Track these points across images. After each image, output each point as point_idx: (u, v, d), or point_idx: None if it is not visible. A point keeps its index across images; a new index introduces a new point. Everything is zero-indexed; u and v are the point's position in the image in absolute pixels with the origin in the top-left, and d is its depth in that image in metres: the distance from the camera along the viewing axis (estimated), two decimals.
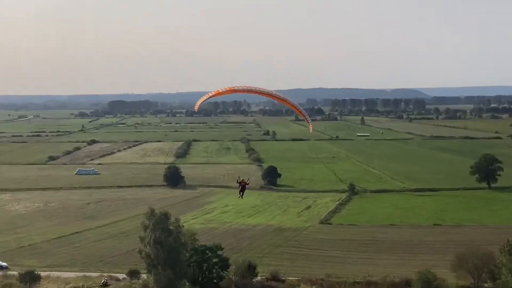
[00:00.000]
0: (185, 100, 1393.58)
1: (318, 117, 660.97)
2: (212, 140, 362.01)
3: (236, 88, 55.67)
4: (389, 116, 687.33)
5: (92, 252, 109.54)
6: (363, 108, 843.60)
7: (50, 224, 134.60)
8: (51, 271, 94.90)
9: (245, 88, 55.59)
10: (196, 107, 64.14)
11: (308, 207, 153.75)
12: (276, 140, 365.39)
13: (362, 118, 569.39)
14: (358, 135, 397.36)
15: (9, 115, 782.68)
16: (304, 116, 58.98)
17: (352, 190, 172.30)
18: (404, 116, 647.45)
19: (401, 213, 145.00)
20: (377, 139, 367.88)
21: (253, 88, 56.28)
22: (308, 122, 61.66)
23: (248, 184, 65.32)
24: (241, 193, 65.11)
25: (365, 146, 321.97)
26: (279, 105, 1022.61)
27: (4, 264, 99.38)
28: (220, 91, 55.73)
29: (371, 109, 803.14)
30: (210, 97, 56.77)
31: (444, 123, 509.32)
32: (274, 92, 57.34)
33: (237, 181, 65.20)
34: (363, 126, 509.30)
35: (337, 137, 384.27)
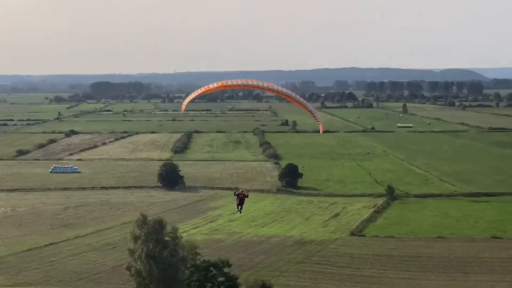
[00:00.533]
0: (185, 82, 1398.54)
1: (349, 104, 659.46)
2: (218, 132, 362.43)
3: (231, 83, 57.36)
4: (437, 102, 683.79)
5: (70, 268, 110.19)
6: (405, 93, 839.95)
7: (18, 234, 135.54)
8: None
9: (242, 83, 56.85)
10: (183, 107, 66.79)
11: (336, 215, 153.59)
12: (297, 132, 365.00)
13: (404, 105, 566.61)
14: (398, 126, 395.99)
15: None
16: (312, 114, 60.27)
17: (391, 194, 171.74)
18: (457, 103, 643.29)
19: (451, 223, 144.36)
20: (422, 131, 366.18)
21: (250, 83, 57.68)
22: (318, 122, 62.56)
23: (247, 196, 67.96)
24: (239, 207, 67.82)
25: (407, 140, 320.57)
26: (301, 89, 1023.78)
27: None
28: (211, 87, 57.29)
29: (415, 94, 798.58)
30: (200, 94, 58.95)
31: (506, 111, 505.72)
32: (276, 87, 58.60)
33: (234, 193, 67.54)
34: (405, 115, 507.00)
35: (372, 128, 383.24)
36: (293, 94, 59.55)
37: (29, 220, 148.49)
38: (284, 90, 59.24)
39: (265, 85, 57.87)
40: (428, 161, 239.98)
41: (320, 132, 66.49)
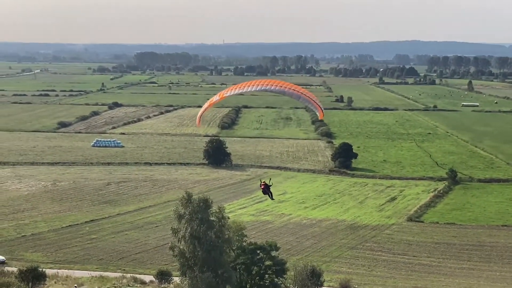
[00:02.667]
0: (234, 53, 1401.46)
1: (410, 80, 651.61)
2: (268, 107, 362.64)
3: (234, 90, 62.64)
4: (506, 80, 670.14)
5: (111, 247, 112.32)
6: (472, 69, 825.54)
7: (59, 209, 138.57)
8: (59, 269, 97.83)
9: (240, 90, 62.02)
10: (198, 123, 74.17)
11: (393, 199, 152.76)
12: (353, 109, 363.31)
13: (470, 82, 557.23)
14: (463, 105, 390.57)
15: (10, 67, 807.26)
16: (314, 101, 62.66)
17: (453, 178, 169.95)
18: None
19: None
20: (489, 111, 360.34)
21: (253, 89, 61.49)
22: (318, 106, 63.46)
23: (271, 185, 75.68)
24: (270, 194, 75.67)
25: (472, 120, 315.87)
26: (357, 63, 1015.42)
27: (1, 257, 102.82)
28: (214, 100, 63.90)
29: (482, 70, 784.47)
30: (206, 108, 66.00)
31: None
32: (287, 89, 61.33)
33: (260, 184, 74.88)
34: (471, 93, 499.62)
35: (435, 106, 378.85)
36: (307, 95, 62.46)
37: (70, 195, 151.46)
38: (295, 93, 61.35)
39: (274, 88, 61.03)
40: (495, 143, 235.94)
41: (320, 117, 65.89)
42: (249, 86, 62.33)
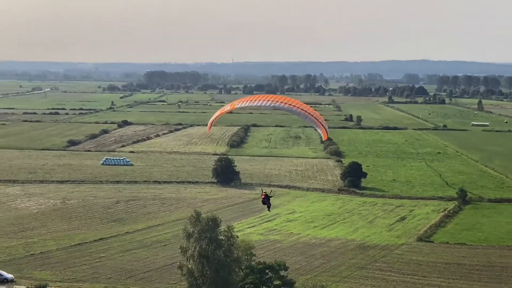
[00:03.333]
0: (243, 72, 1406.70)
1: (420, 99, 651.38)
2: (277, 126, 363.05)
3: (245, 103, 65.29)
4: None
5: (120, 265, 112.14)
6: (481, 89, 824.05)
7: (68, 227, 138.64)
8: (68, 287, 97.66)
9: (250, 103, 64.93)
10: (208, 129, 75.65)
11: (403, 219, 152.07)
12: (362, 128, 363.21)
13: (480, 101, 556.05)
14: (473, 125, 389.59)
15: (20, 86, 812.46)
16: (319, 122, 65.17)
17: (463, 198, 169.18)
18: None
19: None
20: (499, 131, 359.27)
21: (264, 103, 64.76)
22: (323, 127, 65.76)
23: (272, 196, 76.62)
24: (268, 205, 76.44)
25: (482, 140, 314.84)
26: (367, 82, 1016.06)
27: (10, 276, 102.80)
28: (226, 110, 66.82)
29: (492, 90, 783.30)
30: (217, 117, 68.44)
31: None
32: (295, 108, 63.74)
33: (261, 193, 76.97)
34: (481, 112, 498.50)
35: (444, 126, 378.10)
36: (300, 111, 64.19)
37: (79, 213, 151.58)
38: (302, 113, 64.06)
39: (281, 105, 64.30)
40: (505, 163, 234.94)
41: (324, 138, 68.70)
42: (259, 100, 65.34)
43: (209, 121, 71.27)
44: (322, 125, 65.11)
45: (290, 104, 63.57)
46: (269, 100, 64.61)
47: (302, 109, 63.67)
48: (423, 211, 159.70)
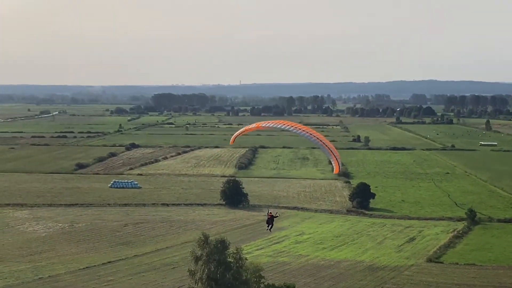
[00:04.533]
0: (251, 94, 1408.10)
1: (427, 119, 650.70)
2: (284, 147, 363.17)
3: (265, 124, 71.77)
4: None
5: None
6: (489, 108, 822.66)
7: (76, 251, 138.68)
8: None
9: (274, 125, 70.81)
10: (231, 141, 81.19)
11: (412, 239, 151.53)
12: (370, 149, 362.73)
13: (488, 121, 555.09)
14: (481, 144, 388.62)
15: (29, 110, 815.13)
16: (332, 153, 70.39)
17: (473, 218, 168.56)
18: None
19: None
20: (507, 150, 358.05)
21: (283, 126, 70.35)
22: (336, 161, 70.49)
23: (277, 216, 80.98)
24: (269, 226, 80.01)
25: (491, 160, 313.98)
26: (374, 103, 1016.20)
27: None
28: (251, 127, 72.91)
29: (500, 109, 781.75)
30: (242, 132, 74.27)
31: None
32: (314, 138, 70.50)
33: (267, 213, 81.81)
34: (489, 132, 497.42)
35: (452, 146, 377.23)
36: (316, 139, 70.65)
37: (87, 236, 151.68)
38: (315, 140, 70.41)
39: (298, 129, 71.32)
40: None
41: (335, 172, 73.28)
42: (284, 124, 70.95)
43: (234, 135, 76.64)
44: (336, 159, 69.80)
45: (311, 134, 70.57)
46: (291, 126, 70.73)
47: (320, 140, 70.11)
48: (432, 231, 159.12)
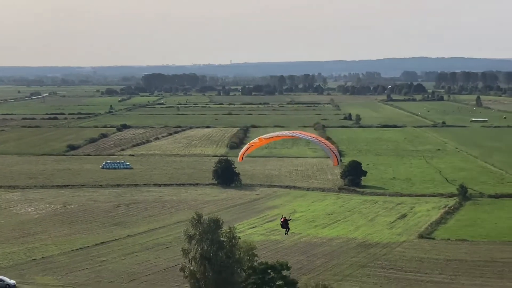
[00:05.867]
0: (241, 73, 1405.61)
1: (418, 96, 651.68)
2: (276, 126, 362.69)
3: (269, 136, 78.39)
4: None
5: (121, 269, 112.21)
6: (480, 85, 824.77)
7: (69, 232, 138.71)
8: None
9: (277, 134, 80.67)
10: (240, 159, 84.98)
11: (403, 216, 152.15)
12: (361, 127, 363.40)
13: (478, 97, 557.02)
14: (472, 121, 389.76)
15: (19, 92, 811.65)
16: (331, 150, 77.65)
17: (464, 194, 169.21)
18: None
19: None
20: (498, 126, 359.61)
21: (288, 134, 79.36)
22: (335, 157, 77.07)
23: (290, 220, 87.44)
24: (286, 230, 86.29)
25: (481, 136, 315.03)
26: (365, 81, 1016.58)
27: (12, 281, 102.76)
28: (256, 141, 77.74)
29: (491, 85, 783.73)
30: (248, 149, 79.37)
31: None
32: (313, 139, 77.98)
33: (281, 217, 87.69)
34: (479, 108, 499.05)
35: (443, 123, 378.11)
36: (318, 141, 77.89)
37: (80, 217, 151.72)
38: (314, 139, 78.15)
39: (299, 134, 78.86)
40: (505, 159, 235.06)
41: (335, 164, 79.34)
42: (287, 132, 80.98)
43: (241, 153, 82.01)
44: (334, 154, 76.25)
45: (311, 136, 78.71)
46: (293, 133, 79.08)
47: (320, 141, 77.74)
48: (424, 208, 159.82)
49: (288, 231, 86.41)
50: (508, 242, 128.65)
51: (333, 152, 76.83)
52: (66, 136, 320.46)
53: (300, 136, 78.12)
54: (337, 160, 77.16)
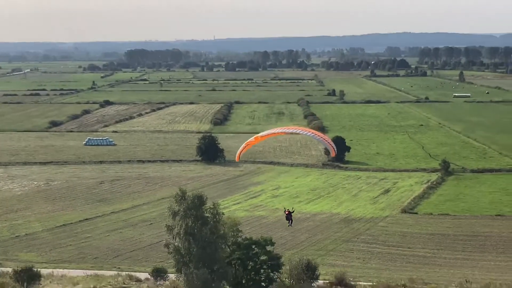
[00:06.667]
0: (225, 49, 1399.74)
1: (401, 72, 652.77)
2: (260, 102, 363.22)
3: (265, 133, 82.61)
4: (497, 70, 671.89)
5: (106, 245, 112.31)
6: (463, 60, 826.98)
7: (52, 209, 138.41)
8: (54, 268, 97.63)
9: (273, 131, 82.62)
10: (237, 158, 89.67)
11: (387, 191, 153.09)
12: (345, 103, 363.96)
13: (461, 73, 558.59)
14: (455, 96, 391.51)
15: (0, 68, 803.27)
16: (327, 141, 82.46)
17: (446, 169, 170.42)
18: None
19: (511, 201, 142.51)
20: (481, 102, 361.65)
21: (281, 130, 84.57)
22: (332, 147, 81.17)
23: (293, 211, 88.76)
24: (289, 222, 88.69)
25: (464, 111, 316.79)
26: (349, 57, 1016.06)
27: None
28: (250, 141, 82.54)
29: (474, 61, 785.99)
30: (245, 148, 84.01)
31: None
32: (309, 133, 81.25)
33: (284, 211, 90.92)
34: (462, 83, 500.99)
35: (426, 98, 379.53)
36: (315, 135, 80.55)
37: (63, 194, 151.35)
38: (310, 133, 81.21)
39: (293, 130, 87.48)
40: (487, 134, 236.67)
41: (332, 155, 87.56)
42: (281, 130, 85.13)
43: (238, 152, 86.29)
44: (331, 145, 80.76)
45: (307, 131, 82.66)
46: (289, 128, 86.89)
47: (316, 134, 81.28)
48: (407, 183, 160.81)
49: (291, 222, 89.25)
50: (490, 217, 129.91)
51: (330, 144, 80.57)
52: (48, 112, 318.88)
53: (295, 132, 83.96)
54: (334, 151, 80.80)
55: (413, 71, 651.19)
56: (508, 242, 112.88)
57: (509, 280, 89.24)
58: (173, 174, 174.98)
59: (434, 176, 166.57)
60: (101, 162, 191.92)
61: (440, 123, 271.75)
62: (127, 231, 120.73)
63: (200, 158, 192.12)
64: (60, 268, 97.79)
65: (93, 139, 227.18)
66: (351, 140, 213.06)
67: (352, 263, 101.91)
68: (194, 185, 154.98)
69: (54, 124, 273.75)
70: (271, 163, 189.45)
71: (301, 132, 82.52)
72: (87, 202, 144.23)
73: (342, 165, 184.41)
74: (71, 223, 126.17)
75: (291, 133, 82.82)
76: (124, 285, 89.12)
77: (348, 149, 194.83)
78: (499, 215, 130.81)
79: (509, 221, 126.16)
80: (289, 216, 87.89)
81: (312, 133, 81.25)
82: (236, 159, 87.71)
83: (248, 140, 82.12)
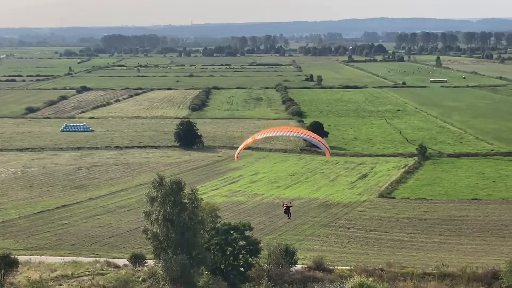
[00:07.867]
0: (203, 34, 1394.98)
1: (379, 57, 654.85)
2: (238, 88, 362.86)
3: (265, 134, 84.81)
4: (474, 55, 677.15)
5: (83, 232, 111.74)
6: (439, 45, 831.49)
7: (29, 195, 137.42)
8: (32, 255, 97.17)
9: (270, 134, 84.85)
10: (236, 158, 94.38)
11: (364, 176, 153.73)
12: (323, 88, 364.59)
13: (438, 58, 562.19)
14: (432, 81, 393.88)
15: None
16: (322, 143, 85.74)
17: (423, 154, 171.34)
18: (495, 56, 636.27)
19: (487, 185, 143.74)
20: (457, 86, 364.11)
21: (279, 133, 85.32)
22: (327, 149, 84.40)
23: (291, 206, 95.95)
24: (288, 215, 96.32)
25: (441, 96, 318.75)
26: (326, 42, 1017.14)
27: None
28: (249, 142, 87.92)
29: (450, 46, 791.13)
30: (243, 148, 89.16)
31: None
32: (304, 135, 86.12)
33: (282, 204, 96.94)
34: (439, 68, 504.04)
35: (403, 83, 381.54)
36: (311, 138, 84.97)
37: (40, 181, 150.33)
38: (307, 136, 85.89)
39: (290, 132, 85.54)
40: (464, 118, 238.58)
41: (327, 156, 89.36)
42: (278, 131, 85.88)
43: (237, 152, 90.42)
44: (326, 146, 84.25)
45: (301, 133, 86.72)
46: (285, 131, 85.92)
47: (311, 136, 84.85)
48: (384, 168, 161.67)
49: (290, 215, 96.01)
50: (466, 200, 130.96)
51: (324, 145, 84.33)
52: (24, 98, 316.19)
53: (291, 134, 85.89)
54: (329, 151, 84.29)
55: (390, 56, 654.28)
56: (484, 225, 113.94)
57: (485, 263, 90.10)
58: (151, 160, 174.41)
59: (411, 161, 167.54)
60: (78, 148, 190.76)
61: (417, 108, 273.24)
62: (105, 218, 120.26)
63: (178, 144, 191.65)
64: (37, 255, 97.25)
65: (70, 125, 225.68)
66: (329, 125, 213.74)
67: (330, 248, 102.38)
68: (172, 171, 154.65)
69: (31, 110, 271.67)
70: (249, 148, 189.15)
71: (296, 135, 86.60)
72: (64, 188, 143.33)
73: (320, 150, 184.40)
74: (48, 209, 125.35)
75: (287, 135, 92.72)
76: (102, 271, 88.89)
77: (326, 134, 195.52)
78: (475, 199, 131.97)
79: (485, 205, 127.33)
80: (287, 210, 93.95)
81: (307, 135, 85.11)
82: (235, 159, 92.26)
83: (246, 141, 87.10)
